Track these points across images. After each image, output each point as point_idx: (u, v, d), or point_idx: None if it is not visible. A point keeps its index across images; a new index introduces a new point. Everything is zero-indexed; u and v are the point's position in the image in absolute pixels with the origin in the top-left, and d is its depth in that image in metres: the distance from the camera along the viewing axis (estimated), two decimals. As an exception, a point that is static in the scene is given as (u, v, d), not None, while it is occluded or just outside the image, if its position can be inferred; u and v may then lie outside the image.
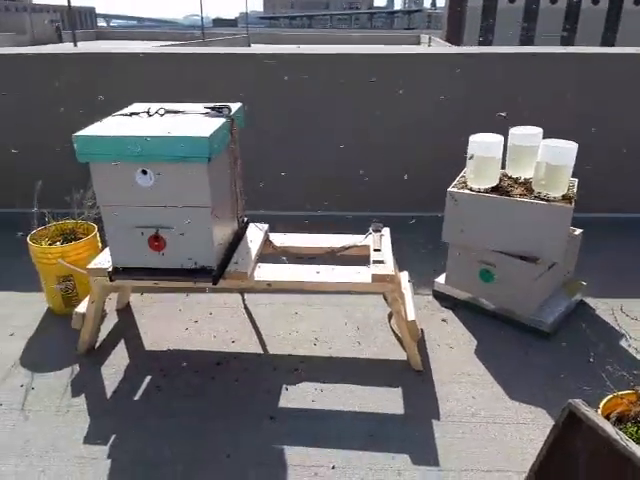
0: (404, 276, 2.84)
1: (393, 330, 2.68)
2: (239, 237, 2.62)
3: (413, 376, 2.37)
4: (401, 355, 2.49)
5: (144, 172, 2.09)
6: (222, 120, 2.25)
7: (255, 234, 2.68)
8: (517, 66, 3.80)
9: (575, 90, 3.71)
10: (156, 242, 2.19)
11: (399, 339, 2.58)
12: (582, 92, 3.73)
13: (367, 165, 3.88)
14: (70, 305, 2.71)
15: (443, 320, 2.78)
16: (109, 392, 2.28)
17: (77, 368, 2.42)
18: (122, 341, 2.61)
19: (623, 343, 2.40)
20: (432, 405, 2.20)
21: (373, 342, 2.60)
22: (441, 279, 2.98)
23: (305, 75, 3.73)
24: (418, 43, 45.84)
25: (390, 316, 2.78)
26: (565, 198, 2.52)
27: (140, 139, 2.04)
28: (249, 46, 43.75)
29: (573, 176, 2.58)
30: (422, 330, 2.63)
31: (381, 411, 2.18)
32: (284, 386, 2.30)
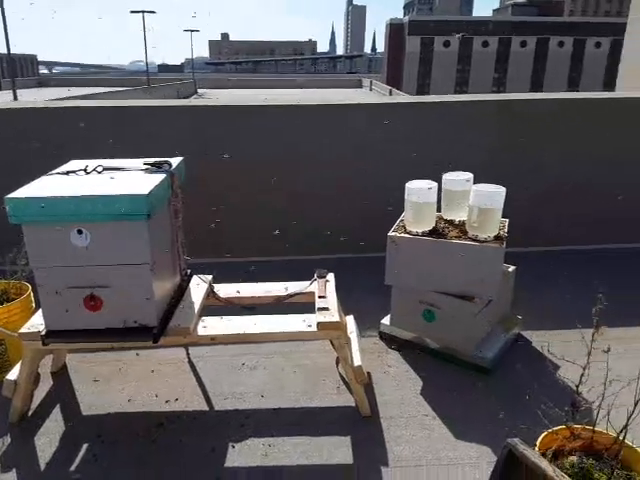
0: (350, 320, 2.87)
1: (341, 375, 2.69)
2: (182, 291, 2.58)
3: (362, 422, 2.36)
4: (350, 401, 2.49)
5: (79, 232, 2.05)
6: (162, 176, 2.26)
7: (198, 286, 2.65)
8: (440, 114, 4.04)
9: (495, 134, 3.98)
10: (92, 302, 2.12)
11: (347, 384, 2.59)
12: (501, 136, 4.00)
13: (312, 210, 3.96)
14: (1, 371, 2.55)
15: (389, 362, 2.81)
16: (42, 464, 2.14)
17: (8, 439, 2.26)
18: (57, 406, 2.47)
19: (554, 379, 2.47)
20: (381, 451, 2.19)
21: (321, 390, 2.59)
22: (386, 320, 3.03)
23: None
24: (360, 86, 47.79)
25: (338, 361, 2.78)
26: (497, 238, 2.66)
27: (75, 199, 2.01)
28: (196, 91, 44.06)
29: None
30: (369, 373, 2.65)
31: (332, 462, 2.15)
32: (230, 444, 2.23)
